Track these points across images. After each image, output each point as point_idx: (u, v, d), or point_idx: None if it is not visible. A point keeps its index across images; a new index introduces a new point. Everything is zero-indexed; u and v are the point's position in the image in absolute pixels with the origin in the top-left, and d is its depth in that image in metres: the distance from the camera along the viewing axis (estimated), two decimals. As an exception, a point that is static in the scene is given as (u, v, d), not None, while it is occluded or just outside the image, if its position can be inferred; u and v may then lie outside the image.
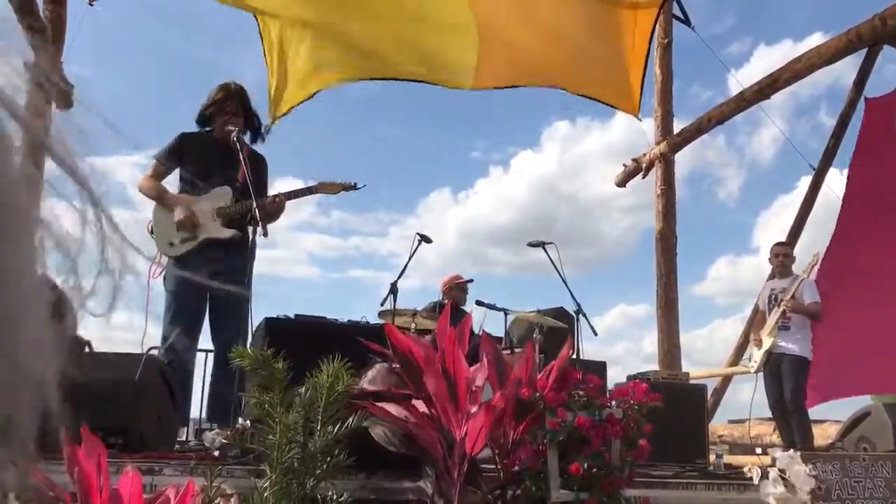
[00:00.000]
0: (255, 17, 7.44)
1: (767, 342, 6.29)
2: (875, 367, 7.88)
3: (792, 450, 5.61)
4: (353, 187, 4.79)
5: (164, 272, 4.44)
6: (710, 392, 9.10)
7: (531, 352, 2.79)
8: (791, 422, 6.10)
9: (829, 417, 8.12)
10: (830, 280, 6.57)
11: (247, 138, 4.68)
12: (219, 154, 4.60)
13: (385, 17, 7.57)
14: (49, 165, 0.57)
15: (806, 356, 6.18)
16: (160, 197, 4.51)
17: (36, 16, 7.36)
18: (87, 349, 4.50)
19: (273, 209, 4.45)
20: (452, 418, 2.56)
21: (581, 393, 2.62)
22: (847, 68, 8.91)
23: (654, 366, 10.13)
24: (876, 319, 7.86)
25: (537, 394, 2.58)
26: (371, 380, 3.09)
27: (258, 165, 4.62)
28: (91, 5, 6.66)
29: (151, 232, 4.47)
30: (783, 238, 8.74)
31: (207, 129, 4.73)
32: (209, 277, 4.44)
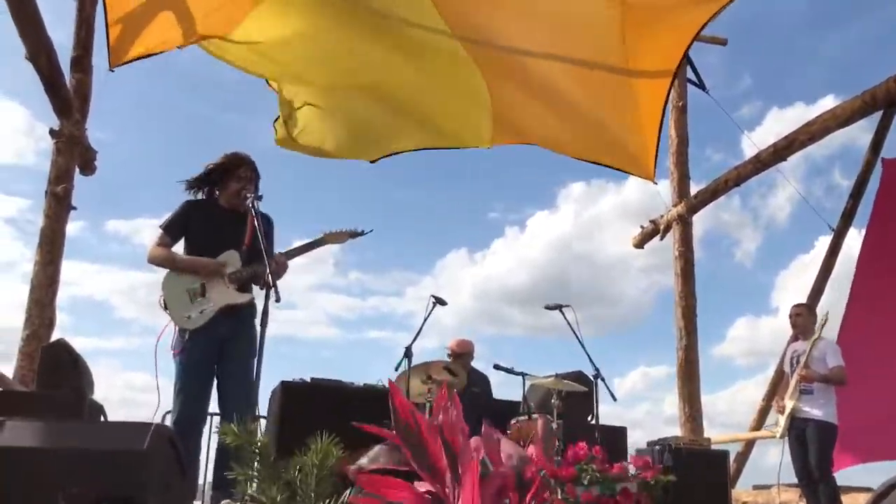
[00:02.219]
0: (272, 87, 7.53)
1: (789, 406, 6.17)
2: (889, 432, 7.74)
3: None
4: (360, 234, 4.79)
5: (178, 346, 4.42)
6: (732, 456, 8.94)
7: (545, 424, 2.74)
8: (818, 490, 5.93)
9: (860, 484, 7.89)
10: (854, 339, 6.42)
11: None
12: (225, 219, 4.63)
13: (399, 89, 7.65)
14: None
15: (831, 421, 6.04)
16: (173, 262, 4.51)
17: (62, 84, 7.56)
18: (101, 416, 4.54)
19: (280, 269, 4.44)
20: (450, 494, 2.50)
21: (594, 467, 2.55)
22: (858, 130, 8.95)
23: (675, 428, 9.97)
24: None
25: (542, 472, 2.52)
26: (372, 458, 3.04)
27: (266, 226, 4.61)
28: (112, 71, 6.79)
29: (164, 307, 4.45)
30: (802, 298, 8.66)
31: (210, 195, 4.75)
32: (221, 344, 4.45)
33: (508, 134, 8.15)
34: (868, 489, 6.73)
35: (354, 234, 4.78)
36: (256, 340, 4.08)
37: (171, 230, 4.62)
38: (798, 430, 6.14)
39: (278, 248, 4.71)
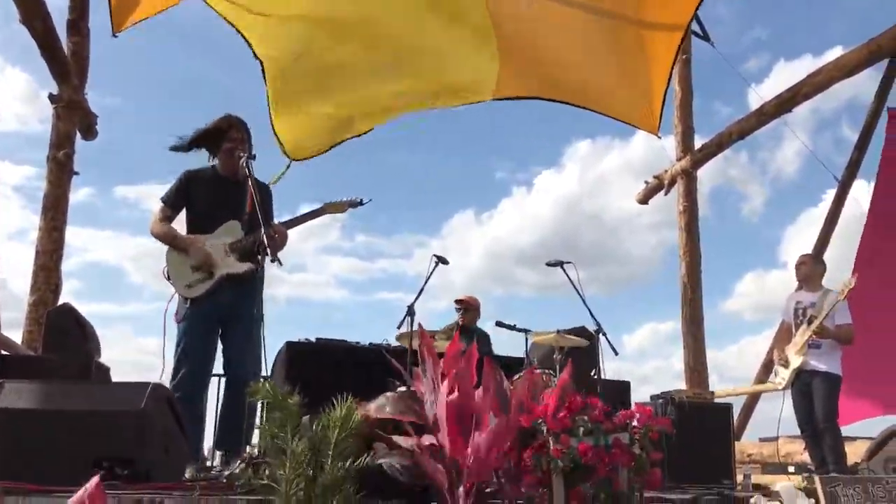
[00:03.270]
0: (260, 62, 7.48)
1: (796, 361, 6.11)
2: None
3: (816, 473, 5.51)
4: (360, 203, 4.84)
5: (182, 314, 4.46)
6: (737, 410, 9.00)
7: (532, 376, 2.75)
8: (822, 440, 5.94)
9: (861, 435, 7.95)
10: (864, 290, 6.28)
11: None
12: (224, 188, 4.63)
13: (404, 40, 7.59)
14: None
15: (837, 373, 6.02)
16: (173, 240, 4.54)
17: (59, 48, 7.52)
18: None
19: (280, 238, 4.46)
20: (458, 448, 2.52)
21: (586, 418, 2.56)
22: (866, 82, 8.83)
23: (683, 383, 10.02)
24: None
25: (539, 420, 2.54)
26: (379, 406, 3.07)
27: (264, 195, 4.63)
28: (115, 36, 6.74)
29: (167, 277, 4.50)
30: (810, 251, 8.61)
31: (211, 164, 4.76)
32: (225, 311, 4.49)
33: (513, 84, 8.07)
34: (868, 438, 6.77)
35: (354, 204, 4.83)
36: (260, 307, 4.14)
37: (172, 202, 4.65)
38: (803, 382, 6.12)
39: (280, 216, 4.74)
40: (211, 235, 4.53)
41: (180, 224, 4.67)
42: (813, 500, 2.72)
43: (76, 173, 7.80)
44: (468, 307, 7.29)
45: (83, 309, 4.74)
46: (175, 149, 4.70)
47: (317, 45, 7.38)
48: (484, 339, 7.05)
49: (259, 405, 4.41)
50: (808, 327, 6.07)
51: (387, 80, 7.84)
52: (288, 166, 7.85)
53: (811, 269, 6.50)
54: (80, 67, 7.91)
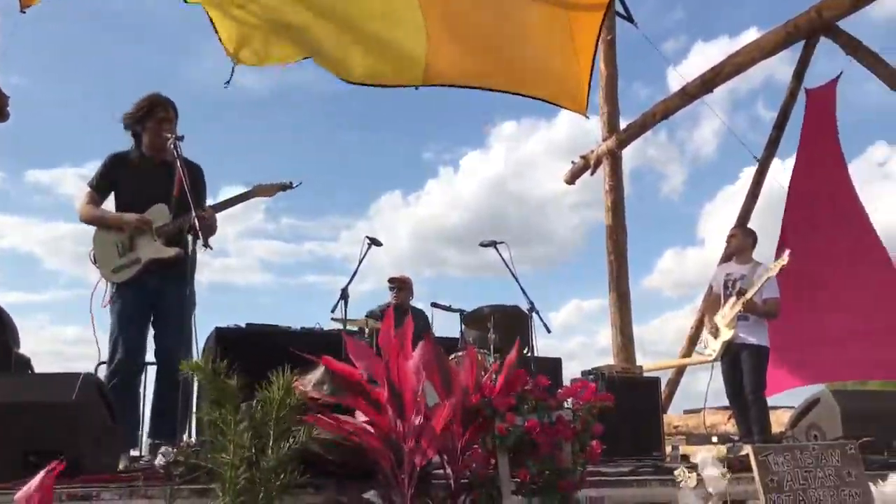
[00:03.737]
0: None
1: (727, 333, 6.19)
2: (818, 356, 8.08)
3: (744, 442, 5.68)
4: (290, 186, 4.79)
5: (109, 299, 4.36)
6: (664, 383, 9.23)
7: (476, 354, 2.75)
8: (749, 411, 6.07)
9: (782, 404, 8.24)
10: (786, 270, 6.46)
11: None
12: (152, 170, 4.52)
13: (343, 15, 7.51)
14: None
15: (764, 344, 6.14)
16: (102, 220, 4.44)
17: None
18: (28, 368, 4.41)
19: (210, 221, 4.34)
20: (400, 427, 2.51)
21: (531, 395, 2.58)
22: (779, 63, 9.11)
23: (609, 358, 10.21)
24: (828, 306, 8.06)
25: (485, 399, 2.54)
26: (315, 384, 3.00)
27: (195, 174, 4.51)
28: (23, 12, 6.42)
29: (94, 261, 4.39)
30: (728, 229, 8.83)
31: (137, 145, 4.62)
32: (154, 297, 4.38)
33: (441, 71, 8.07)
34: (790, 408, 7.00)
35: (284, 187, 4.78)
36: (190, 292, 4.06)
37: (99, 187, 4.53)
38: (732, 354, 6.23)
39: (213, 196, 4.65)
40: None
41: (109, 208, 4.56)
42: (726, 468, 2.79)
43: (-14, 157, 7.48)
44: (402, 286, 7.29)
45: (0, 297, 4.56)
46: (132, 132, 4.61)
47: None
48: (421, 317, 7.05)
49: (194, 392, 4.34)
50: (738, 300, 6.16)
51: (330, 48, 7.74)
52: (233, 70, 7.64)
53: (741, 241, 6.60)
54: (-12, 45, 7.52)
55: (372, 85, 8.16)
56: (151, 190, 4.46)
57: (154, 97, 4.58)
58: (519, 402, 2.54)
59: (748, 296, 6.05)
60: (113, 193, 4.55)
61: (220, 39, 7.56)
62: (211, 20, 7.48)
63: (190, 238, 4.21)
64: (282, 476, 2.38)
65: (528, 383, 2.64)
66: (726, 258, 6.74)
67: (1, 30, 7.62)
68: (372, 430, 2.58)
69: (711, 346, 6.37)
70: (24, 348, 4.42)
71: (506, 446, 2.49)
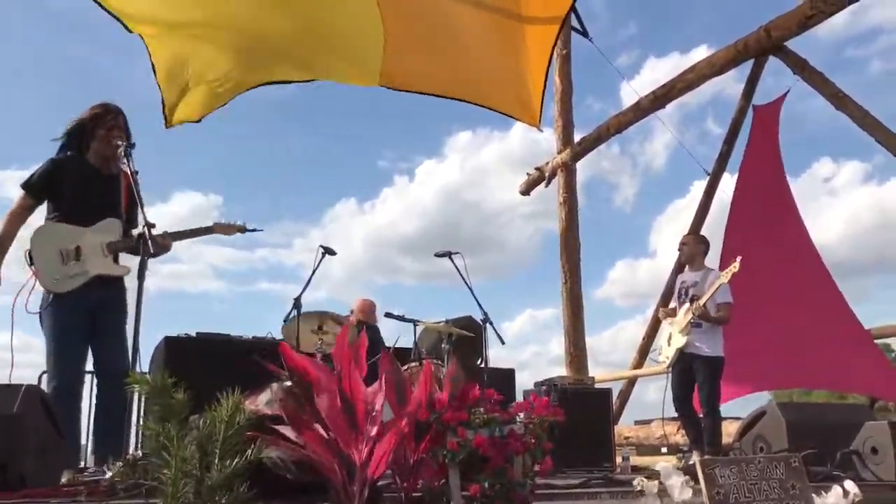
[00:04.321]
0: (141, 37, 7.10)
1: (679, 340, 6.15)
2: (759, 366, 8.23)
3: (695, 454, 5.74)
4: (251, 230, 4.85)
5: (44, 306, 4.24)
6: (616, 394, 9.34)
7: (429, 369, 2.74)
8: (699, 421, 6.03)
9: (730, 415, 8.35)
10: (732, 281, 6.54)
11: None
12: (98, 179, 4.42)
13: (299, 12, 7.43)
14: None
15: (719, 354, 6.08)
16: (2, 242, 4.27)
17: None
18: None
19: (161, 245, 4.24)
20: (351, 442, 2.49)
21: (482, 410, 2.58)
22: (729, 80, 9.33)
23: (561, 368, 10.31)
24: (769, 317, 8.21)
25: (435, 414, 2.54)
26: (268, 402, 2.97)
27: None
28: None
29: (30, 262, 4.22)
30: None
31: (76, 152, 4.50)
32: (93, 308, 4.30)
33: (399, 74, 8.04)
34: (737, 418, 7.10)
35: (243, 230, 4.81)
36: (125, 303, 4.12)
37: (34, 190, 4.39)
38: (685, 363, 6.14)
39: (152, 203, 4.56)
40: (90, 229, 4.31)
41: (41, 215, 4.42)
42: (688, 477, 2.83)
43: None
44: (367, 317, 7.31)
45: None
46: (69, 146, 4.49)
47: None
48: (374, 330, 7.03)
49: (137, 403, 4.25)
50: (691, 307, 6.12)
51: (279, 46, 7.64)
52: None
53: (693, 248, 6.55)
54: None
55: (328, 80, 8.09)
56: (97, 198, 4.37)
57: (105, 105, 4.49)
58: (471, 417, 2.54)
59: (700, 302, 6.06)
60: (54, 201, 4.41)
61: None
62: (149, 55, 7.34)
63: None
64: (228, 493, 2.34)
65: (479, 397, 2.64)
66: (679, 267, 6.76)
67: None
68: (323, 444, 2.55)
69: (665, 352, 6.34)
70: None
71: (456, 461, 2.49)
